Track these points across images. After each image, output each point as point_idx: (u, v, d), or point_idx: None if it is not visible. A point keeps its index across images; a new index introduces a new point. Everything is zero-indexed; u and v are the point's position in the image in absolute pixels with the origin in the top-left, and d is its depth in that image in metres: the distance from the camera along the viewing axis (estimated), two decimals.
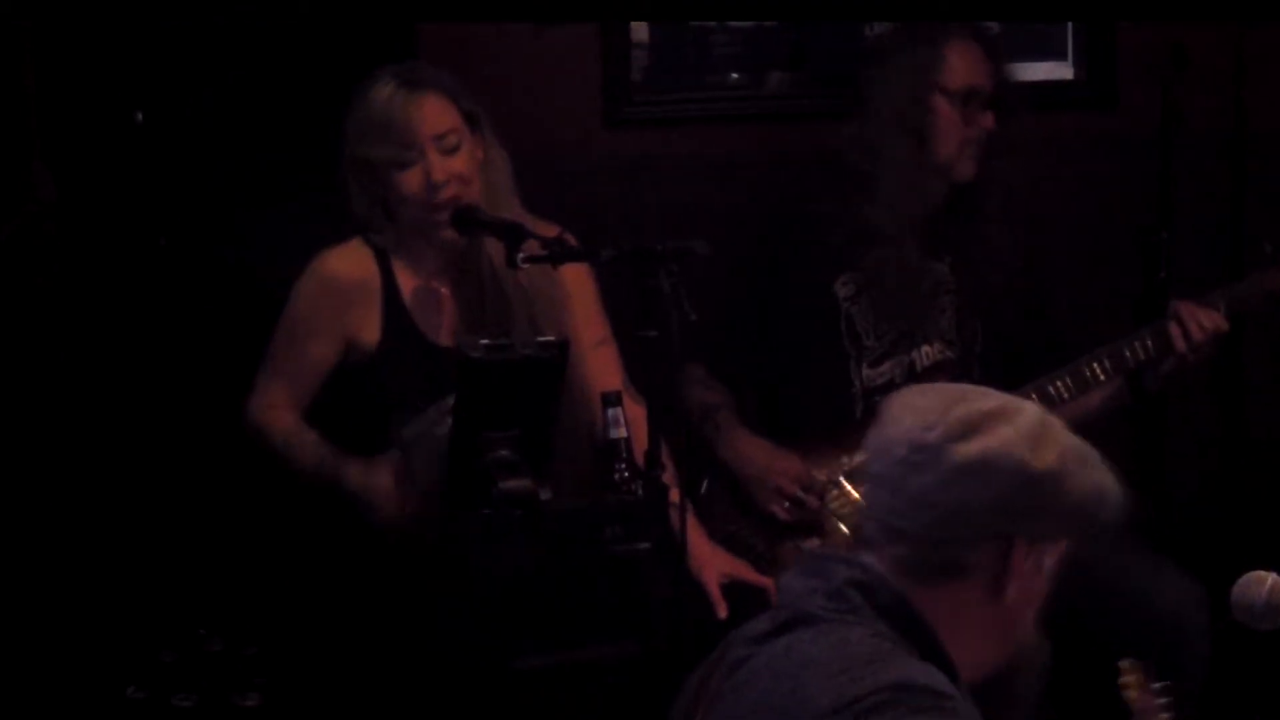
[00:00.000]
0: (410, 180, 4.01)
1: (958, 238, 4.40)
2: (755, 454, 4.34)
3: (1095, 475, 2.45)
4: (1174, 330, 4.24)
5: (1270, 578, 2.63)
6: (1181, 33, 4.62)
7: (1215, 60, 4.71)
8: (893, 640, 2.40)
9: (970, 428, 2.42)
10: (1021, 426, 2.43)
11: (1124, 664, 3.05)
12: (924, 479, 2.41)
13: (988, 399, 2.48)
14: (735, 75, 5.08)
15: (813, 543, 4.24)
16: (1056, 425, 2.47)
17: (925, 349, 4.41)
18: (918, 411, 2.47)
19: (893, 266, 4.32)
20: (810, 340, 4.38)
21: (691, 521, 3.86)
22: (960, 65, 4.32)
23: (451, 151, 4.01)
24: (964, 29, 4.37)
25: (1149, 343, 4.28)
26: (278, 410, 4.11)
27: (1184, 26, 4.69)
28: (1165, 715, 3.01)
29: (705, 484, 4.37)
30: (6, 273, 4.41)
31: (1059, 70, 5.14)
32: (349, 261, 4.12)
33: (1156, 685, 3.02)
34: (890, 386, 4.30)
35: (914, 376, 4.35)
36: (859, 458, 4.18)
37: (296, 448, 4.07)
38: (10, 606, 4.16)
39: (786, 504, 4.28)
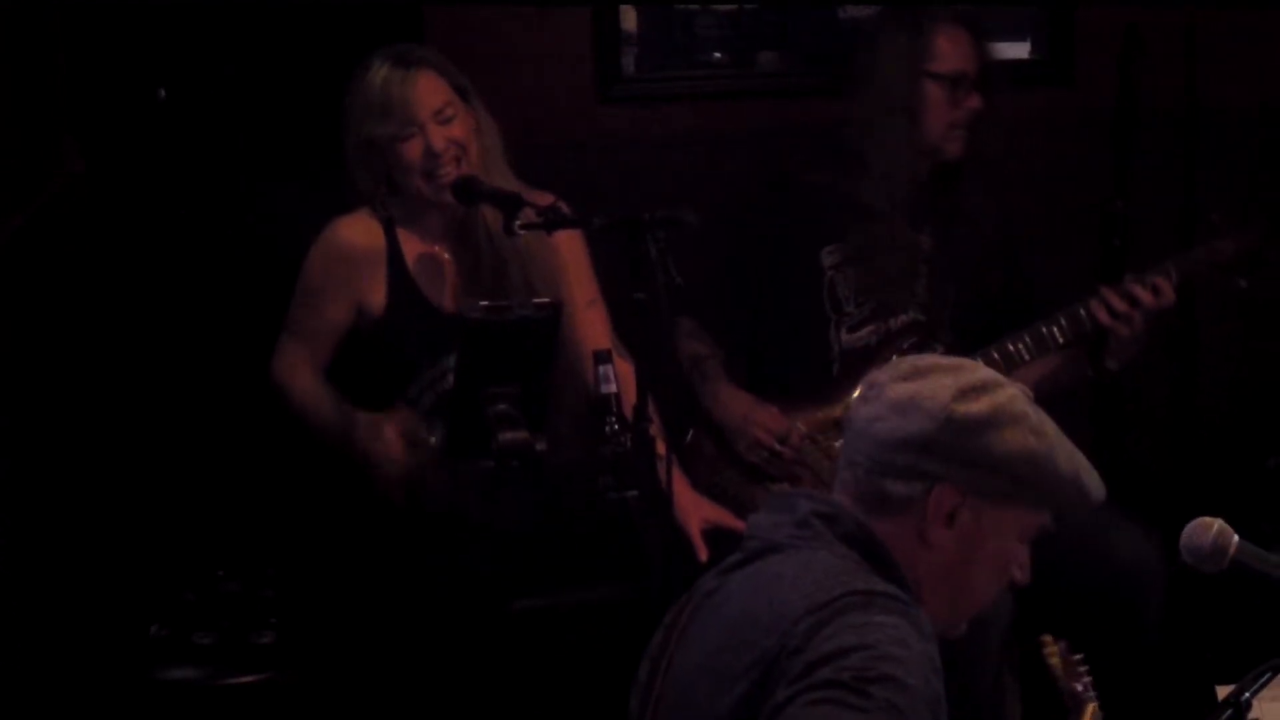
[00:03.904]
0: (412, 151, 4.00)
1: (939, 209, 4.36)
2: (736, 406, 4.32)
3: (1029, 440, 2.45)
4: (1118, 303, 4.19)
5: (1216, 524, 2.61)
6: (1136, 14, 4.60)
7: (1168, 40, 4.69)
8: (855, 561, 2.43)
9: (915, 373, 2.48)
10: (962, 379, 2.46)
11: (1045, 638, 3.08)
12: (867, 411, 2.48)
13: (952, 360, 2.54)
14: (718, 55, 5.07)
15: (783, 487, 4.23)
16: (1007, 391, 2.47)
17: (901, 317, 4.38)
18: (893, 364, 2.54)
19: (883, 242, 4.28)
20: (795, 304, 4.35)
21: (676, 472, 3.86)
22: (948, 50, 4.26)
23: (448, 122, 4.02)
24: (950, 14, 4.31)
25: (1105, 304, 4.23)
26: (299, 369, 4.12)
27: (1139, 8, 4.66)
28: (1085, 679, 3.04)
29: (690, 433, 4.37)
30: (38, 240, 4.40)
31: (1020, 49, 5.13)
32: (357, 230, 4.12)
33: (1076, 656, 3.06)
34: (867, 350, 4.28)
35: (889, 338, 4.33)
36: (835, 413, 4.19)
37: (314, 406, 4.09)
38: (41, 550, 4.15)
39: (764, 454, 4.28)
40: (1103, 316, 4.17)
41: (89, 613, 4.21)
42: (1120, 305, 4.17)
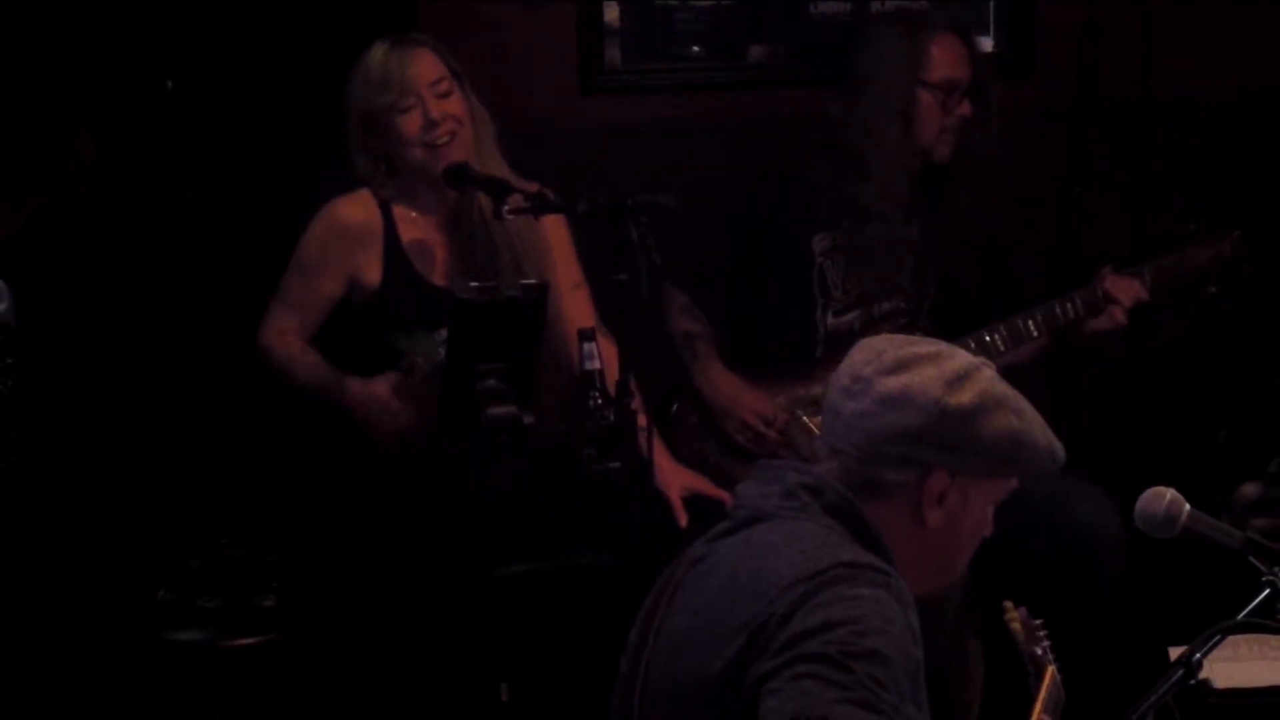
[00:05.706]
0: (410, 122, 4.01)
1: (926, 203, 4.35)
2: (726, 387, 4.32)
3: (1012, 421, 2.46)
4: (1106, 305, 4.24)
5: (1169, 493, 2.62)
6: (1095, 7, 4.60)
7: (1126, 33, 4.68)
8: (840, 532, 2.43)
9: (900, 365, 2.46)
10: (946, 369, 2.46)
11: (1007, 603, 3.09)
12: (856, 405, 2.47)
13: (928, 345, 2.52)
14: (697, 49, 5.07)
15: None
16: (985, 375, 2.49)
17: (885, 304, 4.38)
18: (868, 350, 2.53)
19: (878, 239, 4.28)
20: (784, 287, 4.34)
21: (657, 443, 3.87)
22: (942, 58, 4.25)
23: (444, 96, 4.03)
24: (945, 22, 4.32)
25: (1078, 303, 4.26)
26: (286, 336, 4.10)
27: (1097, 2, 4.66)
28: (1044, 644, 3.04)
29: (675, 405, 4.36)
30: (53, 222, 4.39)
31: (982, 42, 5.11)
32: (356, 208, 4.12)
33: (1036, 621, 3.06)
34: (851, 333, 4.28)
35: (871, 323, 4.32)
36: (816, 390, 4.18)
37: (300, 366, 4.07)
38: (53, 520, 4.14)
39: (749, 435, 4.27)
40: (1108, 320, 4.24)
41: (100, 578, 4.21)
42: (1103, 305, 4.23)
